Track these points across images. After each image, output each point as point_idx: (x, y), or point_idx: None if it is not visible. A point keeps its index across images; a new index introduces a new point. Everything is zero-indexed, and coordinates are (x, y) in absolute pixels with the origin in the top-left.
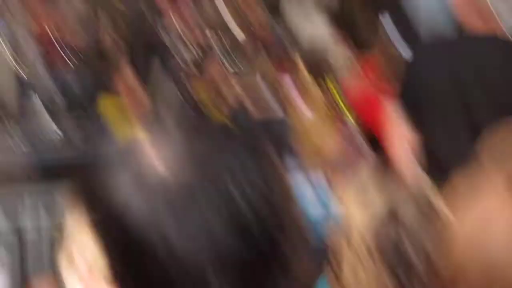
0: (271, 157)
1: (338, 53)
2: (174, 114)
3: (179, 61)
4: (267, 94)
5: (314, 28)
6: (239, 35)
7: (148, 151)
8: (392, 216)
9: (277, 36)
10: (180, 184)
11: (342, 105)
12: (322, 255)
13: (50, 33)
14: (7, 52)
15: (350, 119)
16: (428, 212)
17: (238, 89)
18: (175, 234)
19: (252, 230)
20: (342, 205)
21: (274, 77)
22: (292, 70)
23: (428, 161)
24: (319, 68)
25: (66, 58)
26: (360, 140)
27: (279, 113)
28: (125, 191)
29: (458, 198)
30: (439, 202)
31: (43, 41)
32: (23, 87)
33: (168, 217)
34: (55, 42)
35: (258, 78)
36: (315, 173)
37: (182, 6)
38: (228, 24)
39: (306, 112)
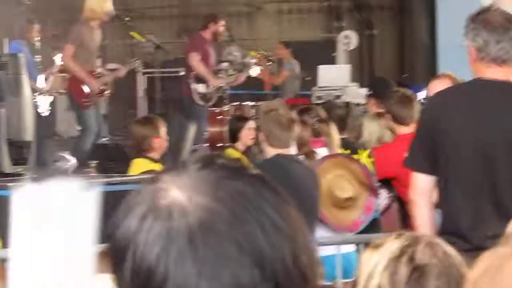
0: (286, 198)
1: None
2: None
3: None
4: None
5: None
6: None
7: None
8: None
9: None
10: (200, 215)
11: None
12: None
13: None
14: None
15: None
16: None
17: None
18: (192, 266)
19: (269, 266)
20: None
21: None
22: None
23: (447, 223)
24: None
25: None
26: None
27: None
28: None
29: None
30: (453, 252)
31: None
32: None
33: (187, 248)
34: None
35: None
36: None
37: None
38: None
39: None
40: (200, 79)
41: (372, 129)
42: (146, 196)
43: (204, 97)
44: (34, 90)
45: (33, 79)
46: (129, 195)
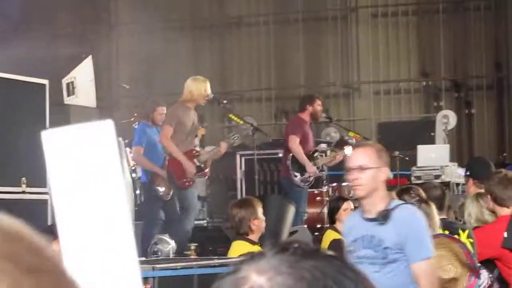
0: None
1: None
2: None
3: None
4: None
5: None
6: None
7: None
8: None
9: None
10: None
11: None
12: None
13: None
14: None
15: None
16: None
17: None
18: None
19: None
20: None
21: None
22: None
23: None
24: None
25: None
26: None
27: None
28: None
29: None
30: None
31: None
32: None
33: None
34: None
35: None
36: None
37: None
38: None
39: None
40: (299, 162)
41: (472, 210)
42: (227, 286)
43: (303, 179)
44: (158, 174)
45: (157, 161)
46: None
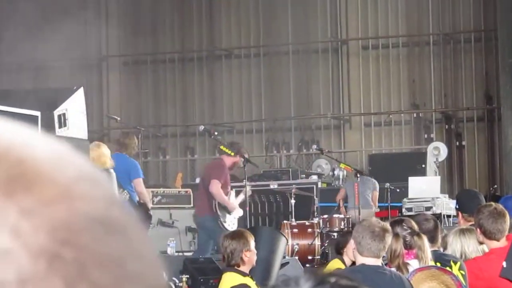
0: None
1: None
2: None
3: None
4: None
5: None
6: None
7: None
8: None
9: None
10: None
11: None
12: None
13: None
14: None
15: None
16: None
17: None
18: None
19: None
20: None
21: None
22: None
23: None
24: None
25: None
26: None
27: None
28: None
29: None
30: None
31: None
32: None
33: None
34: None
35: None
36: None
37: None
38: None
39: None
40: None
41: (456, 248)
42: None
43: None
44: None
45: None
46: None
